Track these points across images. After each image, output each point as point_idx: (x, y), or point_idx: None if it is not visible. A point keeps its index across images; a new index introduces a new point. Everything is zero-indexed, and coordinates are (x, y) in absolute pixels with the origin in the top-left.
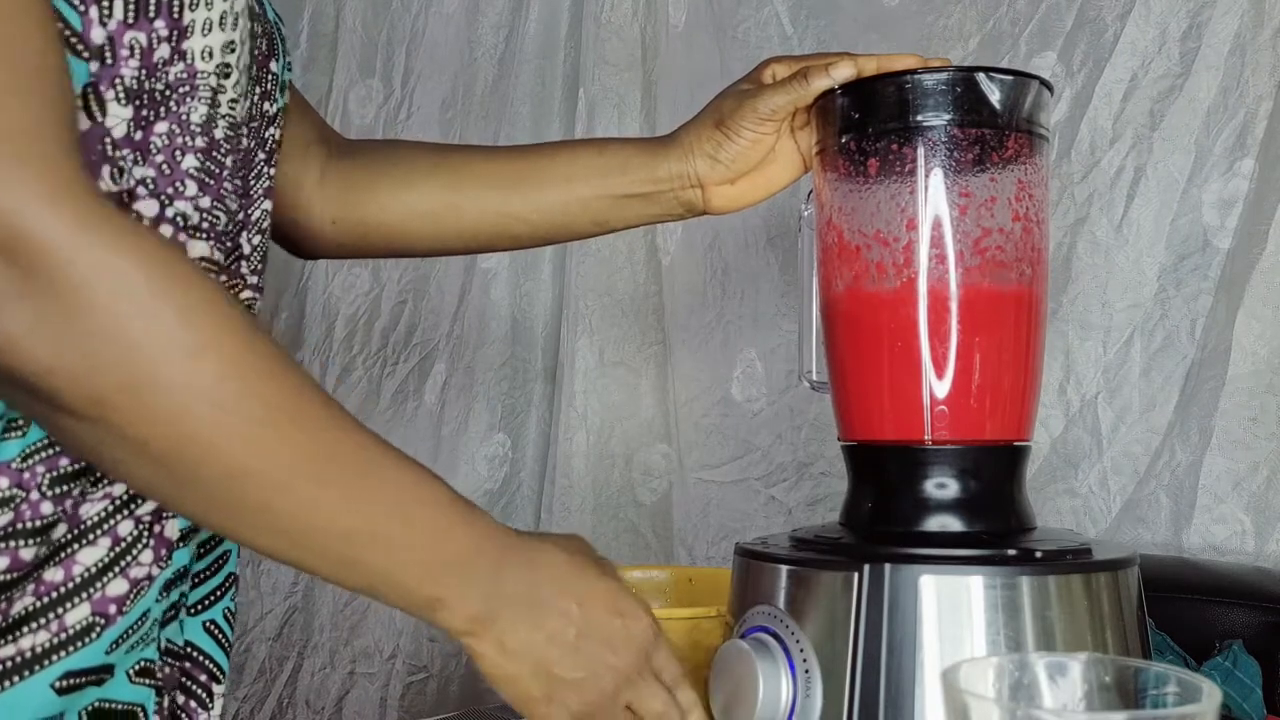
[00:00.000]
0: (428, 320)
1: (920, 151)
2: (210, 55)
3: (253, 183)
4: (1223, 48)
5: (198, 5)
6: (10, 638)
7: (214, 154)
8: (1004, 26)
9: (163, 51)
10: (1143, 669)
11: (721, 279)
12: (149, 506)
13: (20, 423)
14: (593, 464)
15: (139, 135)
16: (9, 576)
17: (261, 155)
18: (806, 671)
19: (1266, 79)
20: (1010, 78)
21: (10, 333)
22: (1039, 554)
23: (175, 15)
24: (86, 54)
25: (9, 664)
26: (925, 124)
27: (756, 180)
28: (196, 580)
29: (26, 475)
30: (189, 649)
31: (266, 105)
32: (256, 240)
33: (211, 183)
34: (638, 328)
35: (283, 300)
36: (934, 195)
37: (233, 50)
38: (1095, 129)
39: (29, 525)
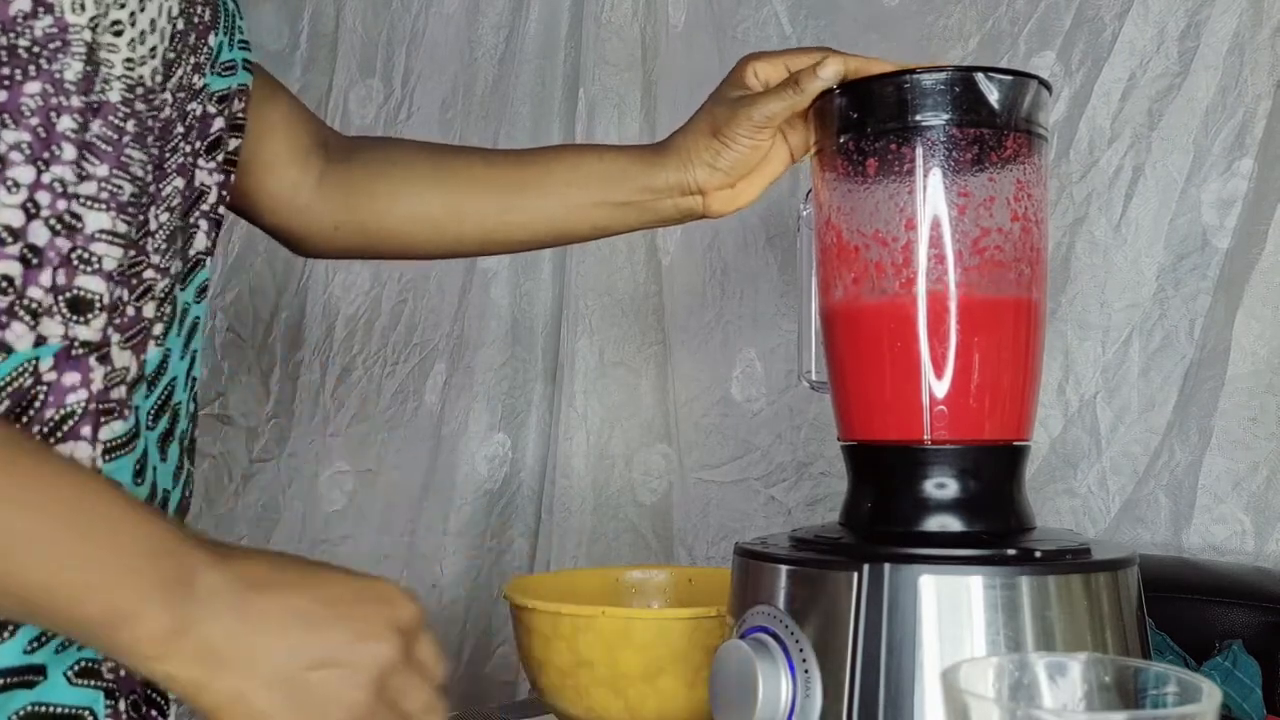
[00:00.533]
0: (428, 320)
1: (919, 151)
2: (82, 8)
3: (168, 156)
4: (1221, 47)
5: None
6: None
7: (108, 117)
8: (1003, 26)
9: (21, 4)
10: (1143, 669)
11: (721, 279)
12: None
13: None
14: (593, 464)
15: (4, 96)
16: None
17: (180, 129)
18: (806, 671)
19: (1265, 78)
20: (1009, 77)
21: None
22: (1038, 554)
23: None
24: None
25: None
26: (924, 124)
27: (753, 180)
28: None
29: None
30: None
31: (196, 78)
32: (164, 218)
33: (108, 149)
34: (638, 328)
35: (283, 300)
36: (933, 195)
37: (122, 5)
38: (1094, 128)
39: None
